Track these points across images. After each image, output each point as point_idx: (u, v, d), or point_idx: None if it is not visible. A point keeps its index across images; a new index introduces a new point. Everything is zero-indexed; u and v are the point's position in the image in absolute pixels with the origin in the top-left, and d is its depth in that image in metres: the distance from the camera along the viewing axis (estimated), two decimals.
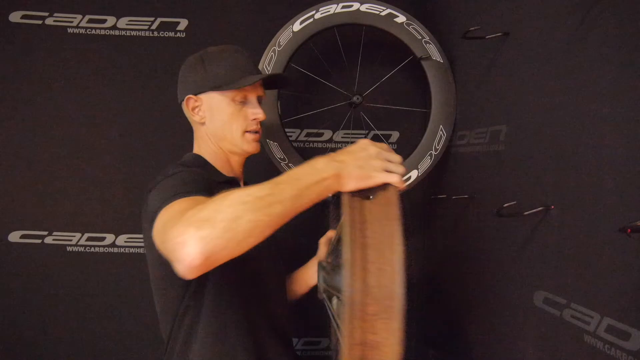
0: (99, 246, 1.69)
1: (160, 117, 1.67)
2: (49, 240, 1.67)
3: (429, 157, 1.55)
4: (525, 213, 1.05)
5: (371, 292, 0.65)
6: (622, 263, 0.83)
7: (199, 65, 1.12)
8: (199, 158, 1.15)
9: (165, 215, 0.81)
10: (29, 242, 1.66)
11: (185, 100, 1.13)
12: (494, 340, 1.29)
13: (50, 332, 1.68)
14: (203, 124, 1.14)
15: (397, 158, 0.80)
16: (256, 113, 1.13)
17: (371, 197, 0.75)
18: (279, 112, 1.54)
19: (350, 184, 0.76)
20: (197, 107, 1.13)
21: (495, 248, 1.28)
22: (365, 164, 0.77)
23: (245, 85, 1.09)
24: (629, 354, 0.80)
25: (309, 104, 1.68)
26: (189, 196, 0.84)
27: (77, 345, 1.69)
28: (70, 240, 1.68)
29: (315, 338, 1.76)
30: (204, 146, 1.16)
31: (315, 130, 1.76)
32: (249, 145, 1.14)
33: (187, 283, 1.00)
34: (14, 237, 1.66)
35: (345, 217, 0.72)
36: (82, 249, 1.69)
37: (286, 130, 1.57)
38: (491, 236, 1.29)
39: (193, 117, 1.14)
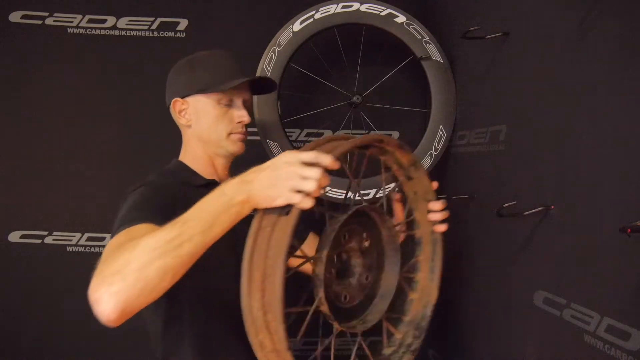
0: (99, 246, 1.69)
1: (160, 117, 1.65)
2: (49, 240, 1.67)
3: (429, 157, 1.55)
4: (525, 213, 1.05)
5: (271, 309, 0.71)
6: (622, 263, 0.83)
7: (186, 69, 1.14)
8: (179, 164, 1.17)
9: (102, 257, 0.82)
10: (29, 242, 1.66)
11: (172, 103, 1.15)
12: (494, 340, 1.29)
13: (50, 331, 1.68)
14: (189, 126, 1.15)
15: (312, 173, 0.73)
16: (241, 116, 1.14)
17: (288, 212, 0.75)
18: (279, 112, 1.54)
19: (259, 206, 0.76)
20: (183, 110, 1.14)
21: (495, 248, 1.28)
22: (273, 184, 0.75)
23: (229, 87, 1.09)
24: (629, 354, 0.80)
25: (309, 104, 1.68)
26: (133, 225, 0.86)
27: (78, 345, 1.69)
28: (70, 240, 1.68)
29: (315, 338, 1.76)
30: (190, 150, 1.18)
31: (315, 130, 1.76)
32: (234, 146, 1.15)
33: (158, 300, 0.97)
34: (14, 237, 1.66)
35: (250, 237, 0.74)
36: (82, 249, 1.69)
37: (286, 130, 1.56)
38: (491, 236, 1.30)
39: (180, 120, 1.16)
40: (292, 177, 0.74)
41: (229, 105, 1.14)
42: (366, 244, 0.96)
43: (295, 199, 0.73)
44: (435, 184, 1.04)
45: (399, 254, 0.96)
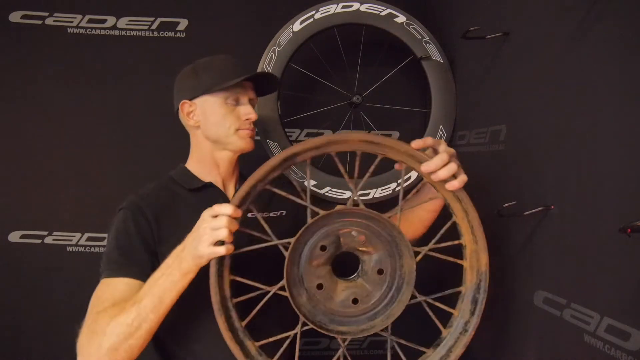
0: (99, 246, 1.69)
1: (160, 117, 1.66)
2: (49, 240, 1.67)
3: None
4: (525, 213, 1.05)
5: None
6: (622, 263, 0.83)
7: (191, 74, 1.18)
8: (181, 170, 1.21)
9: (89, 305, 1.01)
10: (29, 242, 1.66)
11: (180, 106, 1.17)
12: (494, 340, 1.29)
13: (50, 332, 1.68)
14: (198, 127, 1.17)
15: (219, 223, 0.86)
16: (248, 113, 1.17)
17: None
18: (279, 112, 1.54)
19: (199, 267, 0.90)
20: (191, 111, 1.17)
21: (495, 248, 1.28)
22: (196, 244, 0.87)
23: (234, 82, 1.12)
24: (629, 354, 0.80)
25: (309, 104, 1.68)
26: (115, 277, 1.01)
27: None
28: (70, 240, 1.68)
29: (315, 338, 1.76)
30: (196, 152, 1.20)
31: (315, 130, 1.76)
32: (243, 141, 1.17)
33: None
34: (14, 237, 1.66)
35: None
36: (82, 249, 1.69)
37: (286, 130, 1.56)
38: (491, 236, 1.29)
39: (189, 122, 1.18)
40: (206, 232, 0.86)
41: (236, 103, 1.16)
42: (361, 239, 0.93)
43: (216, 251, 0.86)
44: (415, 143, 0.90)
45: (404, 236, 0.91)
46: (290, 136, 1.72)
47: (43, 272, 1.67)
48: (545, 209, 1.03)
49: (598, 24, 0.89)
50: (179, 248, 0.91)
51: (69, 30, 1.65)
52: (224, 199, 1.18)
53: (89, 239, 1.69)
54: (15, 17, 1.63)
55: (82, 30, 1.66)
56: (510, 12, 1.22)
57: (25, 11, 1.63)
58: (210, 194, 1.17)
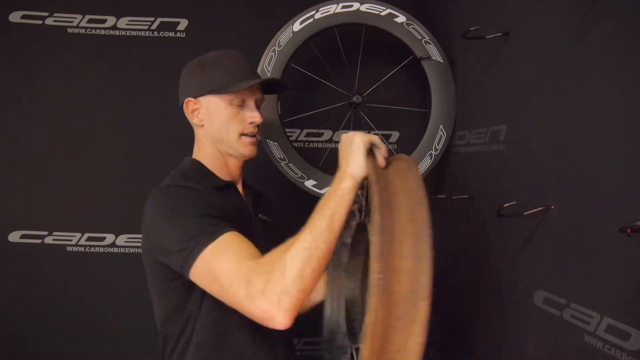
0: (99, 246, 1.69)
1: (160, 117, 1.67)
2: (49, 240, 1.67)
3: (429, 157, 1.55)
4: (525, 213, 1.05)
5: None
6: (622, 263, 0.83)
7: (198, 70, 1.14)
8: (196, 164, 1.16)
9: (214, 268, 0.90)
10: (29, 242, 1.66)
11: (185, 103, 1.15)
12: (494, 340, 1.29)
13: (50, 332, 1.68)
14: (202, 126, 1.15)
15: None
16: (253, 116, 1.13)
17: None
18: (279, 112, 1.54)
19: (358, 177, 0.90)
20: (196, 109, 1.14)
21: (495, 248, 1.28)
22: (358, 158, 0.90)
23: (241, 89, 1.10)
24: (629, 354, 0.80)
25: (309, 104, 1.68)
26: (213, 240, 0.91)
27: (77, 345, 1.69)
28: (70, 240, 1.68)
29: (315, 338, 1.76)
30: (203, 149, 1.17)
31: (315, 130, 1.76)
32: (245, 148, 1.14)
33: (188, 289, 1.01)
34: (14, 237, 1.66)
35: None
36: (82, 249, 1.69)
37: (286, 130, 1.57)
38: (491, 236, 1.29)
39: (193, 120, 1.16)
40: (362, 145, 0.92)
41: (241, 105, 1.13)
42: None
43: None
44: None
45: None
46: (290, 136, 1.72)
47: (43, 272, 1.67)
48: (545, 209, 1.03)
49: (598, 24, 0.89)
50: (340, 172, 0.92)
51: (69, 30, 1.65)
52: (241, 199, 1.18)
53: (89, 239, 1.69)
54: (15, 17, 1.63)
55: (82, 30, 1.66)
56: (510, 12, 1.22)
57: (25, 11, 1.63)
58: (231, 192, 1.16)
